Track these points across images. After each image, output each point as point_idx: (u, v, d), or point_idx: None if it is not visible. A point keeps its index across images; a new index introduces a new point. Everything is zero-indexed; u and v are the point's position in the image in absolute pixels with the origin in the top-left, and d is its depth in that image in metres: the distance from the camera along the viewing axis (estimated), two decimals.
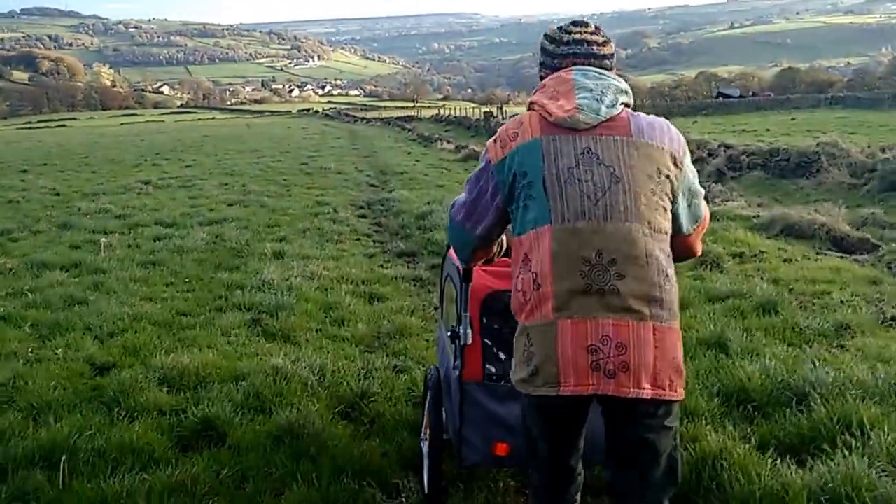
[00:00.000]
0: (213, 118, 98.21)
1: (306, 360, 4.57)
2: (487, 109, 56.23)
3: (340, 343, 5.15)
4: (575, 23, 2.51)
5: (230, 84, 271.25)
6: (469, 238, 2.48)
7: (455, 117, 61.75)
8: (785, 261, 7.29)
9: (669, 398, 2.16)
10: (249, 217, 11.27)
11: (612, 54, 2.46)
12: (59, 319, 5.70)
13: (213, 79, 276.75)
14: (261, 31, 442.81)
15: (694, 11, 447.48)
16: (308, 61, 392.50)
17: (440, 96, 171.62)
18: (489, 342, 2.97)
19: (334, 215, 11.54)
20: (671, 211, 2.28)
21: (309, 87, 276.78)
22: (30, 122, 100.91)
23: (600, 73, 2.36)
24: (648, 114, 2.39)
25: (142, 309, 6.02)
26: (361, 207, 12.96)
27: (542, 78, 2.46)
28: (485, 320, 2.95)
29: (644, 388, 2.11)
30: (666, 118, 2.42)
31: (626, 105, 2.35)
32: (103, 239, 9.11)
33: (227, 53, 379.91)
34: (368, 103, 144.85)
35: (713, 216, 9.97)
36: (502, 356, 2.95)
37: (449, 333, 3.02)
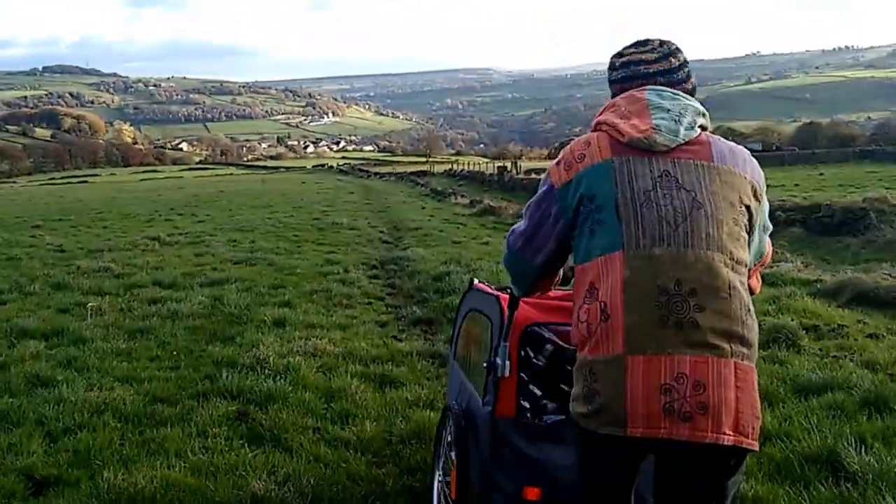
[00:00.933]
0: (231, 174, 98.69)
1: (296, 483, 3.59)
2: (501, 164, 55.73)
3: (343, 450, 4.14)
4: (636, 43, 2.33)
5: (247, 140, 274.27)
6: (529, 268, 2.30)
7: (468, 172, 61.65)
8: (870, 336, 6.27)
9: (749, 447, 1.94)
10: (254, 277, 10.36)
11: (688, 75, 2.29)
12: (13, 408, 4.74)
13: (230, 135, 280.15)
14: (276, 89, 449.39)
15: (710, 66, 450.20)
16: (323, 117, 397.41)
17: (453, 151, 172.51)
18: (524, 376, 2.79)
19: (344, 275, 10.62)
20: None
21: (323, 142, 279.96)
22: (53, 179, 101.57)
23: (676, 94, 2.19)
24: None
25: (113, 394, 5.06)
26: (374, 267, 12.05)
27: (612, 91, 2.32)
28: (522, 353, 2.79)
29: (725, 434, 1.90)
30: None
31: (703, 128, 2.18)
32: (90, 303, 8.18)
33: (243, 110, 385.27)
34: (382, 158, 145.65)
35: (766, 280, 8.99)
36: (536, 391, 2.79)
37: (485, 364, 2.80)
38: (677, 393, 1.90)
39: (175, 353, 6.38)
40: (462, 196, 34.89)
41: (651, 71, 2.24)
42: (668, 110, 2.13)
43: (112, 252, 14.05)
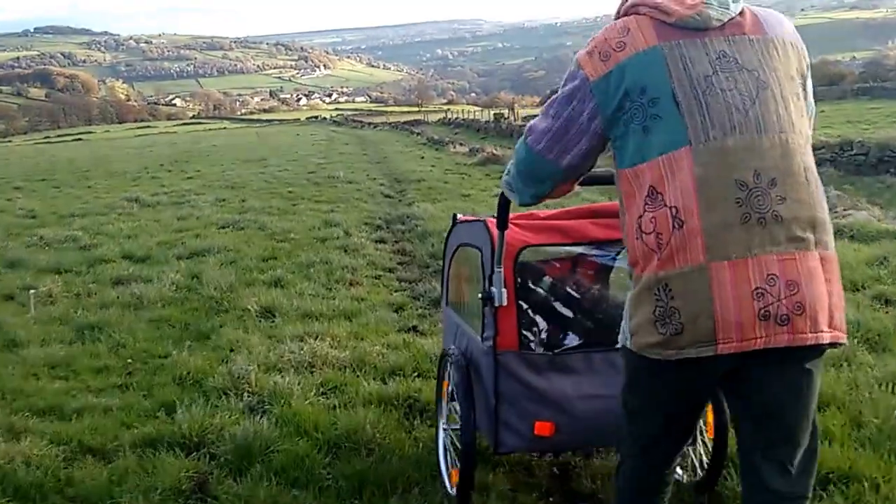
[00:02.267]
0: (224, 128, 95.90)
1: None
2: (497, 111, 53.53)
3: None
4: None
5: (240, 95, 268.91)
6: (553, 170, 1.94)
7: (463, 120, 59.64)
8: None
9: (843, 341, 1.77)
10: (242, 246, 8.66)
11: None
12: None
13: (223, 90, 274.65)
14: (268, 43, 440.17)
15: None
16: (315, 71, 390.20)
17: (444, 101, 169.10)
18: (524, 305, 2.54)
19: (346, 240, 8.92)
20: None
21: (316, 95, 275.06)
22: (48, 137, 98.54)
23: None
24: None
25: (15, 447, 3.34)
26: (378, 227, 10.35)
27: None
28: (520, 280, 2.52)
29: (823, 332, 1.70)
30: None
31: None
32: (36, 289, 6.49)
33: (235, 65, 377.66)
34: (374, 109, 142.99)
35: (853, 236, 7.36)
36: (540, 321, 2.55)
37: (480, 296, 2.49)
38: (771, 296, 1.67)
39: (129, 361, 4.73)
40: (460, 144, 33.01)
41: None
42: None
43: (85, 217, 12.29)
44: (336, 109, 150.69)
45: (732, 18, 1.83)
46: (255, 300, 5.92)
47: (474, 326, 2.72)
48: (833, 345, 1.76)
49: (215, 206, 13.39)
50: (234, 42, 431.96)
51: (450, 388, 2.85)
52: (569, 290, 2.66)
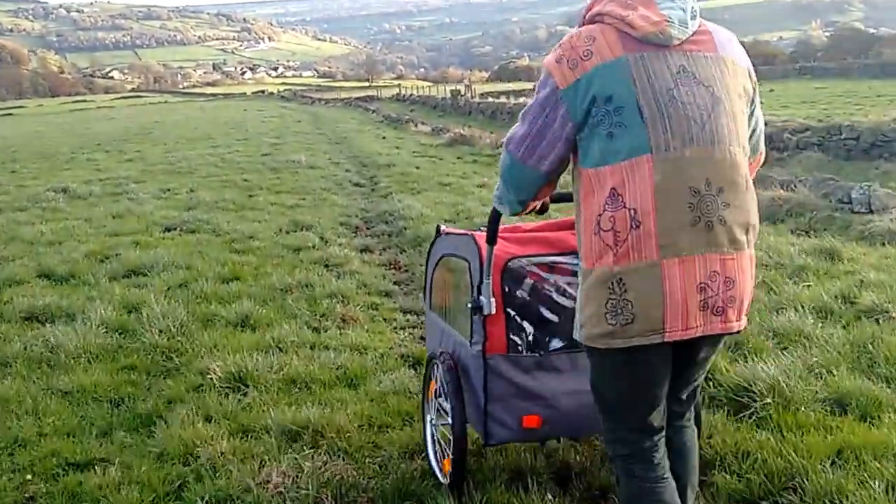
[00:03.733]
0: (165, 101, 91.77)
1: None
2: (454, 88, 51.75)
3: None
4: None
5: (181, 67, 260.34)
6: (535, 176, 2.04)
7: (418, 97, 57.89)
8: None
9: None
10: (193, 259, 6.93)
11: None
12: None
13: (163, 62, 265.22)
14: (208, 13, 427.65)
15: None
16: (259, 43, 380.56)
17: (393, 76, 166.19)
18: (512, 312, 2.68)
19: (324, 249, 7.27)
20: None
21: (262, 69, 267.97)
22: None
23: None
24: None
25: None
26: (357, 229, 8.71)
27: None
28: (507, 289, 2.66)
29: (742, 320, 2.00)
30: None
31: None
32: None
33: (174, 36, 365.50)
34: (323, 84, 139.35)
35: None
36: (526, 326, 2.69)
37: (469, 306, 2.63)
38: (711, 290, 1.89)
39: (29, 479, 3.05)
40: (422, 123, 31.35)
41: None
42: None
43: None
44: (283, 84, 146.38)
45: (691, 36, 1.95)
46: (218, 355, 4.27)
47: (461, 330, 2.83)
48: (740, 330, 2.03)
49: (159, 199, 11.52)
50: (172, 11, 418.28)
51: (437, 387, 2.95)
52: (553, 295, 2.73)
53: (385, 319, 5.19)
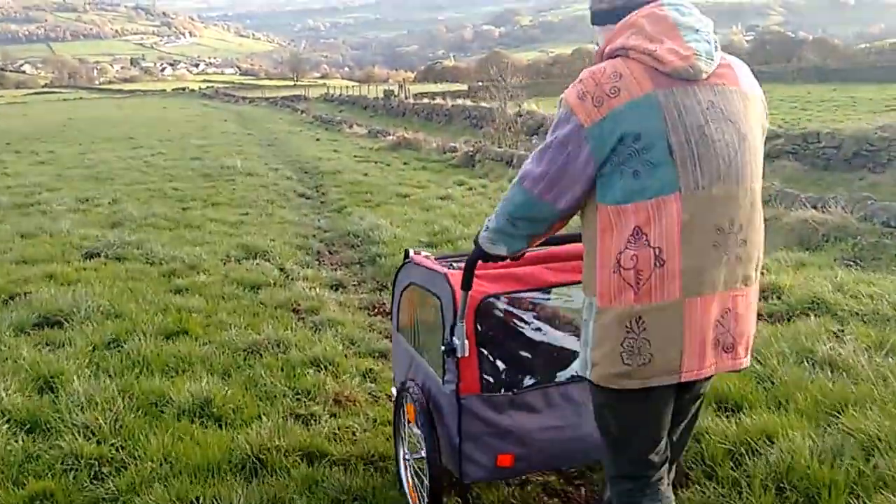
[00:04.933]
0: (81, 98, 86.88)
1: None
2: (387, 88, 50.44)
3: None
4: None
5: (97, 62, 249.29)
6: (551, 214, 1.95)
7: (348, 97, 56.39)
8: None
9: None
10: (124, 301, 5.49)
11: None
12: None
13: (78, 56, 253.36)
14: (126, 6, 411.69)
15: None
16: (179, 38, 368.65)
17: (318, 75, 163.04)
18: (485, 351, 2.59)
19: (289, 288, 5.91)
20: None
21: (182, 65, 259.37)
22: None
23: (691, 8, 1.93)
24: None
25: None
26: (321, 255, 7.38)
27: (600, 15, 2.01)
28: (479, 327, 2.55)
29: (748, 356, 1.96)
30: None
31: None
32: None
33: (91, 30, 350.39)
34: (246, 82, 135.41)
35: None
36: (499, 364, 2.61)
37: (443, 348, 2.52)
38: (723, 327, 1.87)
39: None
40: (357, 125, 29.90)
41: None
42: (698, 30, 1.88)
43: None
44: (205, 81, 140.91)
45: (716, 69, 1.89)
46: (173, 496, 2.91)
47: (433, 364, 2.75)
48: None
49: (76, 211, 9.87)
50: (89, 4, 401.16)
51: (407, 419, 2.86)
52: (526, 332, 2.69)
53: (389, 397, 3.92)
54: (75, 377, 3.97)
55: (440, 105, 35.10)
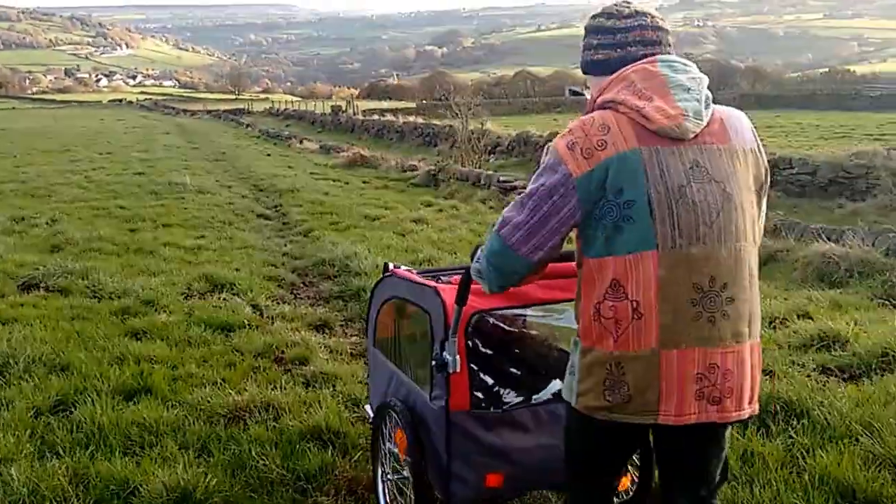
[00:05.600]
0: (13, 108, 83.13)
1: None
2: (335, 104, 49.61)
3: None
4: (608, 14, 2.01)
5: (29, 72, 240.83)
6: (525, 264, 1.95)
7: (294, 111, 55.16)
8: None
9: (756, 412, 1.99)
10: (71, 349, 4.58)
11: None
12: None
13: (9, 66, 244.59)
14: (61, 16, 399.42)
15: (505, 13, 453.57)
16: (115, 49, 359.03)
17: (259, 89, 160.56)
18: (475, 367, 2.59)
19: (267, 331, 5.08)
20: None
21: (118, 76, 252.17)
22: None
23: (686, 65, 1.95)
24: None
25: None
26: (295, 287, 6.55)
27: (594, 65, 2.01)
28: (470, 343, 2.56)
29: (744, 409, 1.93)
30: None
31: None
32: None
33: (24, 39, 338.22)
34: (186, 95, 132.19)
35: None
36: (489, 380, 2.65)
37: (434, 363, 2.44)
38: (708, 381, 1.87)
39: None
40: (307, 140, 28.98)
41: (661, 27, 1.99)
42: (688, 89, 1.89)
43: None
44: (143, 93, 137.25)
45: (705, 127, 1.88)
46: None
47: (418, 380, 2.71)
48: (750, 416, 1.96)
49: (11, 233, 8.79)
50: (23, 13, 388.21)
51: (390, 437, 2.80)
52: (515, 349, 2.70)
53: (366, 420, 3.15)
54: (14, 459, 3.09)
55: (391, 122, 34.33)
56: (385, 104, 56.48)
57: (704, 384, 1.86)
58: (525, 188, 1.97)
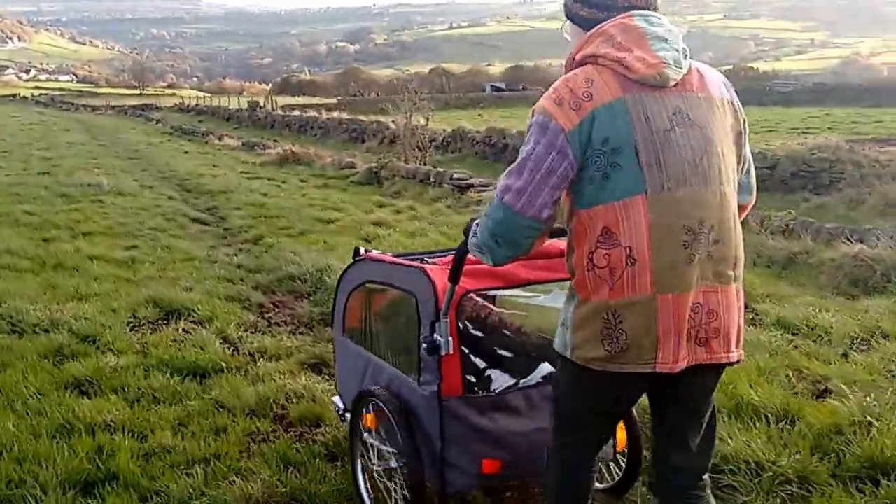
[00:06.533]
0: None
1: None
2: (252, 100, 47.56)
3: None
4: None
5: None
6: (536, 225, 1.92)
7: (207, 107, 52.80)
8: None
9: (743, 358, 2.03)
10: (3, 433, 3.37)
11: None
12: None
13: None
14: None
15: (416, 10, 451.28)
16: (6, 43, 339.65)
17: (164, 84, 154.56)
18: (466, 349, 2.50)
19: (265, 385, 3.96)
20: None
21: (10, 70, 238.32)
22: None
23: (660, 19, 1.97)
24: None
25: None
26: (263, 310, 5.43)
27: (578, 18, 2.03)
28: (461, 325, 2.49)
29: (732, 352, 1.96)
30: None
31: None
32: None
33: None
34: (86, 90, 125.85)
35: None
36: (480, 363, 2.56)
37: (425, 346, 2.35)
38: (694, 322, 1.89)
39: None
40: (227, 137, 27.28)
41: (642, 4, 1.98)
42: (666, 39, 1.93)
43: None
44: (37, 88, 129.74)
45: (684, 76, 1.93)
46: None
47: (401, 366, 2.63)
48: (738, 361, 2.00)
49: None
50: None
51: (374, 427, 2.68)
52: (505, 331, 2.66)
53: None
54: None
55: (314, 118, 32.91)
56: (300, 100, 54.73)
57: (691, 325, 1.87)
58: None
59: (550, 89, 1.92)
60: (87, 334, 4.50)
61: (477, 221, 2.05)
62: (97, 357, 4.12)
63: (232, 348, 4.39)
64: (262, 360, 4.20)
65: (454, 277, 2.30)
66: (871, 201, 10.77)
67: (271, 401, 3.56)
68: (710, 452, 2.11)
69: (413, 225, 8.89)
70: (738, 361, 1.99)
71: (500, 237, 1.94)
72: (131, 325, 4.81)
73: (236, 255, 7.26)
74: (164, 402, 3.56)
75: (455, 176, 12.25)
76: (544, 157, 1.86)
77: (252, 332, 4.73)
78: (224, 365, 4.02)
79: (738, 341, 1.96)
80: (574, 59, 1.97)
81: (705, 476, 2.09)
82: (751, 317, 4.75)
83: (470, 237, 2.07)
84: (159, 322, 4.88)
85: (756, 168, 9.47)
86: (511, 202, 1.89)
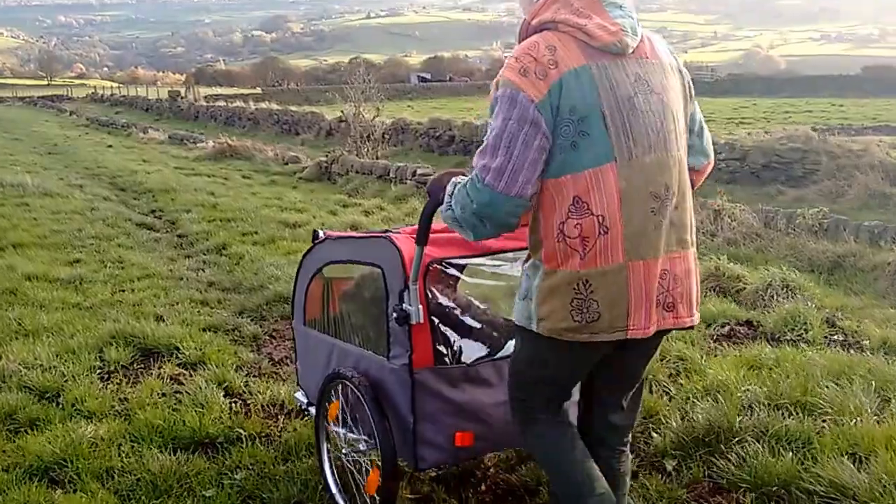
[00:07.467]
0: None
1: None
2: (173, 90, 45.24)
3: None
4: None
5: None
6: (520, 203, 1.84)
7: (123, 97, 49.77)
8: None
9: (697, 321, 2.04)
10: None
11: None
12: None
13: None
14: None
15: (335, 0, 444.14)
16: None
17: (73, 74, 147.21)
18: (436, 320, 2.40)
19: (304, 463, 3.04)
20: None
21: None
22: None
23: None
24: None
25: None
26: (258, 342, 4.46)
27: None
28: (429, 294, 2.38)
29: (694, 315, 1.98)
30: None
31: None
32: None
33: None
34: None
35: None
36: (450, 334, 2.44)
37: (395, 316, 2.26)
38: (662, 287, 1.88)
39: None
40: (152, 129, 25.53)
41: None
42: (621, 6, 1.91)
43: None
44: None
45: (639, 44, 1.92)
46: None
47: (368, 343, 2.55)
48: (692, 326, 2.02)
49: None
50: None
51: (341, 413, 2.54)
52: (473, 301, 2.58)
53: None
54: None
55: (241, 108, 31.29)
56: (223, 90, 52.44)
57: (659, 291, 1.86)
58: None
59: (511, 58, 1.84)
60: (45, 389, 3.47)
61: (447, 188, 1.94)
62: (66, 425, 3.10)
63: (239, 403, 3.44)
64: (282, 417, 3.27)
65: (421, 239, 2.19)
66: (852, 193, 10.46)
67: (318, 488, 2.65)
68: (639, 410, 2.19)
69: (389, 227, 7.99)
70: (693, 326, 2.00)
71: (487, 219, 1.86)
72: (100, 372, 3.79)
73: (202, 270, 6.21)
74: (170, 494, 2.61)
75: (419, 171, 11.36)
76: (517, 131, 1.79)
77: (256, 377, 3.78)
78: (241, 432, 3.07)
79: (696, 303, 1.98)
80: (530, 24, 1.90)
81: (629, 435, 2.17)
82: (841, 338, 4.08)
83: (444, 209, 1.96)
84: (136, 366, 3.87)
85: (724, 160, 8.77)
86: (492, 183, 1.81)
